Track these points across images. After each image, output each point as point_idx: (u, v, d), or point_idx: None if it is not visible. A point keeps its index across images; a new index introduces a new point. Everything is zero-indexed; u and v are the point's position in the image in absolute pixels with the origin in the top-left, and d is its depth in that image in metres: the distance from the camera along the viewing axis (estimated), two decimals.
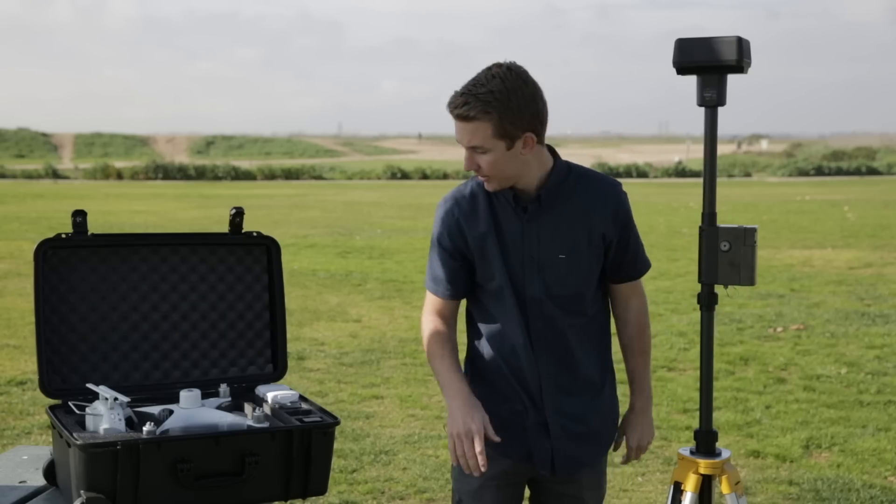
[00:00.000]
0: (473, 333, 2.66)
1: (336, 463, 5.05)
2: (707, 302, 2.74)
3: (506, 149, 2.41)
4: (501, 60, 2.42)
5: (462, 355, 2.64)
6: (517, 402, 2.58)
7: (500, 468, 2.59)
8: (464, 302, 2.67)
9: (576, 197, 2.55)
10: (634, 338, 2.75)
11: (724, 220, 2.80)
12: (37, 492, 2.67)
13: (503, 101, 2.36)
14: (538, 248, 2.52)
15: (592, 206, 2.55)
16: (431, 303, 2.63)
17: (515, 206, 2.52)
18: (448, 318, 2.62)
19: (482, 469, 2.39)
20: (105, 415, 2.44)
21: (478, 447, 2.39)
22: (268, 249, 2.92)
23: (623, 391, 2.75)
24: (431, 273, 2.62)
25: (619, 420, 2.79)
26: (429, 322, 2.63)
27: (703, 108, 2.69)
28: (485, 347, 2.61)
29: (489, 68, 2.40)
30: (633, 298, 2.71)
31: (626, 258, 2.64)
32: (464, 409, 2.45)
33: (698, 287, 2.76)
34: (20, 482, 2.74)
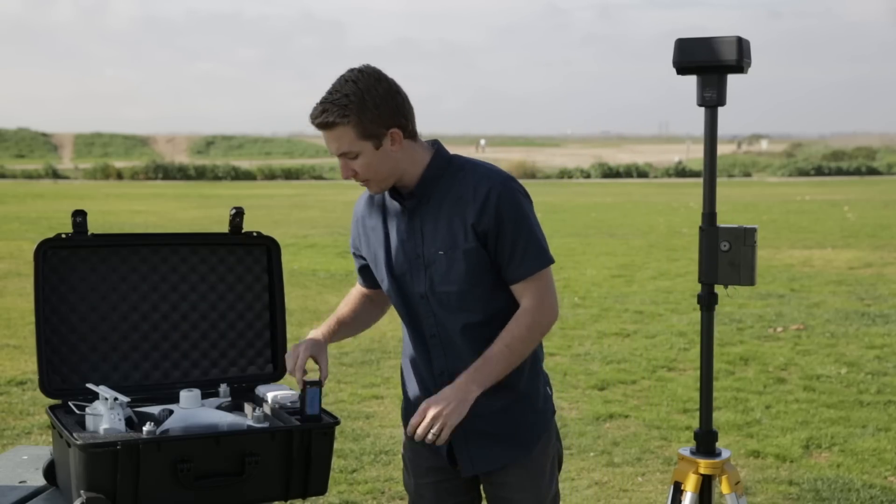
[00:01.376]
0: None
1: (336, 463, 5.05)
2: (707, 302, 2.75)
3: (374, 148, 2.42)
4: (355, 66, 2.45)
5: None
6: (418, 399, 2.61)
7: (425, 465, 2.68)
8: None
9: (454, 190, 2.48)
10: (503, 331, 2.48)
11: (724, 220, 2.80)
12: (37, 492, 2.67)
13: (359, 102, 2.37)
14: (422, 246, 2.52)
15: (465, 199, 2.46)
16: (355, 286, 2.84)
17: (400, 204, 2.55)
18: (358, 295, 2.81)
19: (296, 366, 2.56)
20: (105, 415, 2.44)
21: (290, 364, 2.57)
22: (268, 249, 2.92)
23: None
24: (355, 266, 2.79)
25: (550, 420, 2.65)
26: (346, 295, 2.83)
27: (703, 108, 2.70)
28: (404, 344, 2.72)
29: (343, 75, 2.43)
30: (523, 299, 2.50)
31: (508, 257, 2.47)
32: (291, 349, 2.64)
33: (698, 287, 2.77)
34: (20, 482, 2.74)
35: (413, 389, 2.69)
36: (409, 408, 2.66)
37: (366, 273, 2.73)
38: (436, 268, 2.50)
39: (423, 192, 2.51)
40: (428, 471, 2.68)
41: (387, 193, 2.57)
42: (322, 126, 2.42)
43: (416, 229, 2.53)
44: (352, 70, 2.43)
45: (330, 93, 2.41)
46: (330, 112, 2.39)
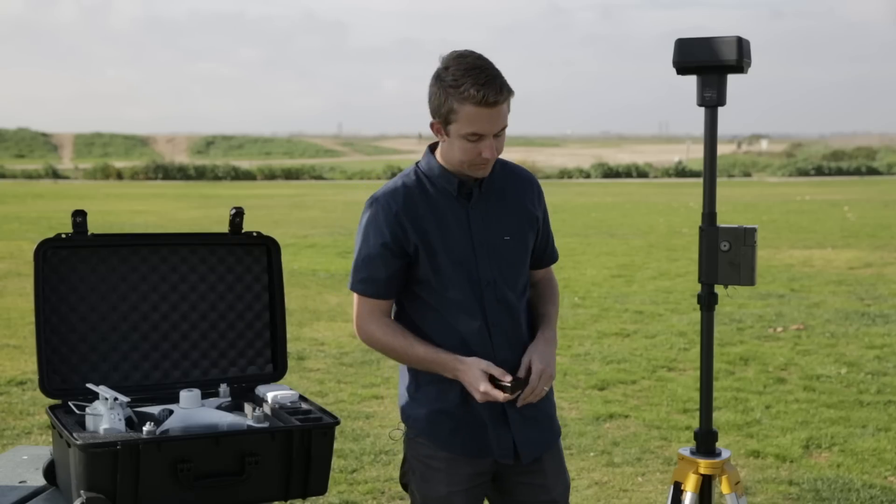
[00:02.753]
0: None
1: (336, 463, 5.05)
2: (707, 302, 2.75)
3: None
4: (460, 49, 2.46)
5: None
6: (473, 399, 2.53)
7: (466, 471, 2.59)
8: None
9: (507, 182, 2.61)
10: (548, 293, 2.74)
11: (724, 220, 2.81)
12: (37, 492, 2.68)
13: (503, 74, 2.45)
14: (485, 232, 2.55)
15: (522, 191, 2.64)
16: (370, 307, 2.57)
17: (458, 193, 2.54)
18: (390, 318, 2.62)
19: (509, 387, 2.42)
20: (105, 415, 2.44)
21: (499, 396, 2.42)
22: (268, 249, 2.92)
23: None
24: (367, 274, 2.55)
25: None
26: (376, 325, 2.57)
27: (703, 108, 2.70)
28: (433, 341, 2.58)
29: (467, 54, 2.43)
30: (547, 278, 2.77)
31: (549, 244, 2.74)
32: (459, 366, 2.47)
33: (698, 287, 2.77)
34: (20, 482, 2.74)
35: (453, 391, 2.55)
36: (455, 424, 2.56)
37: (397, 279, 2.55)
38: (502, 253, 2.55)
39: (485, 181, 2.55)
40: (467, 477, 2.60)
41: (427, 185, 2.54)
42: (499, 102, 2.40)
43: (478, 217, 2.54)
44: (470, 51, 2.44)
45: (486, 68, 2.39)
46: (503, 88, 2.40)
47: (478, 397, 2.44)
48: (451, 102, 2.41)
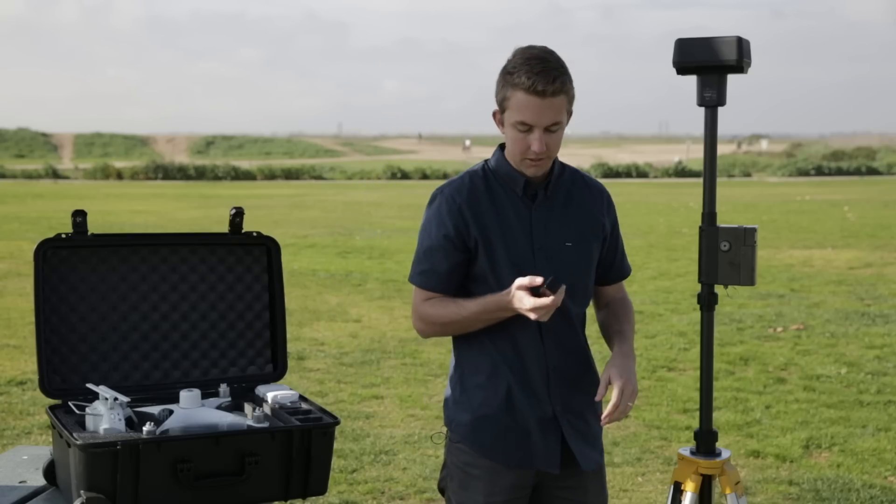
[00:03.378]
0: (461, 342, 2.59)
1: (336, 463, 5.05)
2: (707, 302, 2.75)
3: (566, 123, 2.48)
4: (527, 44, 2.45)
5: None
6: (520, 404, 2.52)
7: (507, 481, 2.54)
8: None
9: (574, 189, 2.59)
10: (622, 311, 2.70)
11: (724, 220, 2.80)
12: (37, 492, 2.68)
13: (568, 73, 2.44)
14: (546, 237, 2.53)
15: (590, 199, 2.61)
16: (428, 298, 2.54)
17: (523, 194, 2.52)
18: None
19: (547, 288, 2.33)
20: (105, 415, 2.44)
21: (540, 302, 2.32)
22: (268, 249, 2.92)
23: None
24: (428, 266, 2.52)
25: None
26: (428, 305, 2.53)
27: (703, 108, 2.69)
28: (477, 348, 2.55)
29: (534, 47, 2.43)
30: (619, 295, 2.73)
31: (617, 257, 2.68)
32: (506, 297, 2.40)
33: (698, 287, 2.76)
34: (20, 482, 2.74)
35: (502, 397, 2.52)
36: (501, 430, 2.52)
37: (457, 273, 2.52)
38: (562, 258, 2.53)
39: (553, 187, 2.55)
40: (506, 488, 2.54)
41: (494, 183, 2.53)
42: (553, 93, 2.38)
43: (540, 221, 2.53)
44: (539, 46, 2.45)
45: (546, 60, 2.39)
46: (561, 80, 2.39)
47: (532, 316, 2.35)
48: (506, 89, 2.42)
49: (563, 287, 2.34)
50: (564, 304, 2.49)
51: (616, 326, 2.65)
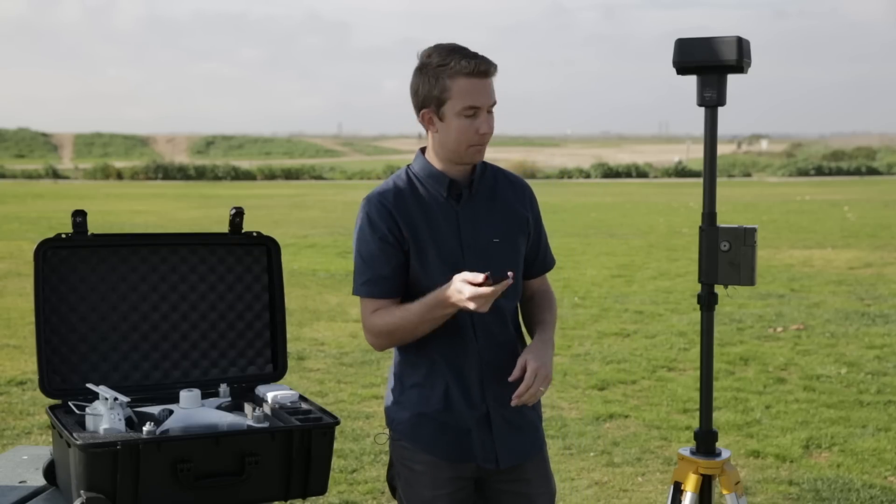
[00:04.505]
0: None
1: (336, 463, 5.05)
2: (707, 302, 2.75)
3: None
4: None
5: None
6: (457, 403, 2.55)
7: (448, 475, 2.58)
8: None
9: (497, 186, 2.62)
10: (545, 303, 2.71)
11: (724, 220, 2.80)
12: (37, 492, 2.68)
13: None
14: (474, 235, 2.55)
15: (513, 195, 2.64)
16: (377, 306, 2.52)
17: (448, 194, 2.54)
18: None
19: (490, 282, 2.33)
20: (105, 415, 2.44)
21: (479, 291, 2.31)
22: (268, 249, 2.92)
23: None
24: (372, 274, 2.51)
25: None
26: (378, 316, 2.51)
27: (703, 108, 2.69)
28: (415, 347, 2.55)
29: (444, 42, 2.50)
30: (543, 288, 2.75)
31: (541, 250, 2.71)
32: (446, 292, 2.40)
33: (698, 287, 2.77)
34: (20, 482, 2.74)
35: (439, 397, 2.55)
36: (438, 427, 2.55)
37: (401, 274, 2.52)
38: (490, 255, 2.55)
39: (477, 185, 2.57)
40: (449, 481, 2.58)
41: (417, 184, 2.55)
42: (490, 73, 2.44)
43: (466, 219, 2.55)
44: (439, 43, 2.50)
45: (465, 48, 2.45)
46: (490, 60, 2.44)
47: (471, 306, 2.34)
48: (442, 81, 2.43)
49: (509, 277, 2.33)
50: (500, 299, 2.50)
51: (538, 317, 2.69)
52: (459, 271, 2.43)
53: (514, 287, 2.58)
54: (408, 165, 2.63)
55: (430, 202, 2.54)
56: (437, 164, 2.55)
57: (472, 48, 2.47)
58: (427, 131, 2.54)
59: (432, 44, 2.51)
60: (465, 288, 2.34)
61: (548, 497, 2.68)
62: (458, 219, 2.55)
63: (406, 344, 2.57)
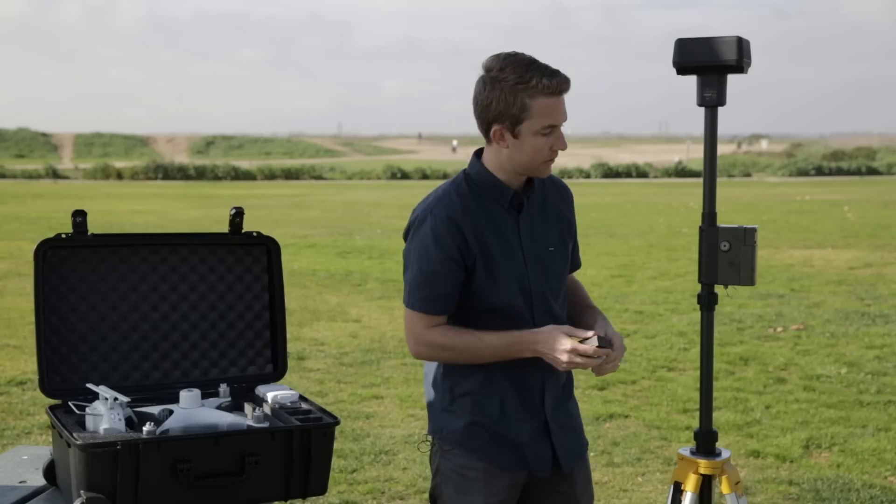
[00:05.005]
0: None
1: (336, 463, 5.05)
2: (707, 302, 2.75)
3: None
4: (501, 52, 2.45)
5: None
6: (514, 415, 2.53)
7: (503, 482, 2.55)
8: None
9: (546, 191, 2.60)
10: (582, 291, 2.77)
11: (724, 220, 2.80)
12: (37, 492, 2.67)
13: None
14: (532, 244, 2.53)
15: (560, 199, 2.63)
16: (430, 322, 2.48)
17: (510, 204, 2.51)
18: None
19: (596, 342, 2.35)
20: (105, 415, 2.44)
21: (589, 349, 2.34)
22: (268, 249, 2.92)
23: None
24: (430, 292, 2.46)
25: None
26: (438, 332, 2.47)
27: (703, 108, 2.69)
28: (474, 367, 2.51)
29: (516, 53, 2.42)
30: (575, 280, 2.79)
31: (576, 250, 2.73)
32: (535, 337, 2.41)
33: (698, 287, 2.77)
34: (20, 482, 2.74)
35: (496, 409, 2.52)
36: (490, 437, 2.52)
37: (457, 293, 2.47)
38: (548, 264, 2.54)
39: (532, 190, 2.55)
40: (504, 488, 2.55)
41: (480, 192, 2.48)
42: (567, 89, 2.41)
43: (526, 228, 2.52)
44: (513, 51, 2.43)
45: (540, 62, 2.39)
46: (566, 76, 2.40)
47: (562, 362, 2.35)
48: (521, 99, 2.35)
49: (608, 350, 2.36)
50: (554, 308, 2.54)
51: (584, 301, 2.71)
52: (525, 285, 2.46)
53: (563, 292, 2.62)
54: (464, 173, 2.54)
55: (493, 211, 2.49)
56: (498, 175, 2.48)
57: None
58: (492, 143, 2.46)
59: (498, 53, 2.42)
60: (565, 342, 2.35)
61: (589, 497, 2.69)
62: (520, 230, 2.51)
63: (454, 368, 2.54)
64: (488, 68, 2.40)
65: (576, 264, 2.74)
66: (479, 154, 2.54)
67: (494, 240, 2.47)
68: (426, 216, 2.46)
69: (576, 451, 2.62)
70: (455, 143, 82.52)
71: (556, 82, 2.36)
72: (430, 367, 2.62)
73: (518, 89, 2.35)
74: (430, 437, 2.64)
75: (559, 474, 2.59)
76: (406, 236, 2.54)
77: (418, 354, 2.54)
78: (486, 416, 2.52)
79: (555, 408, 2.58)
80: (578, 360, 2.34)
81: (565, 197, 2.65)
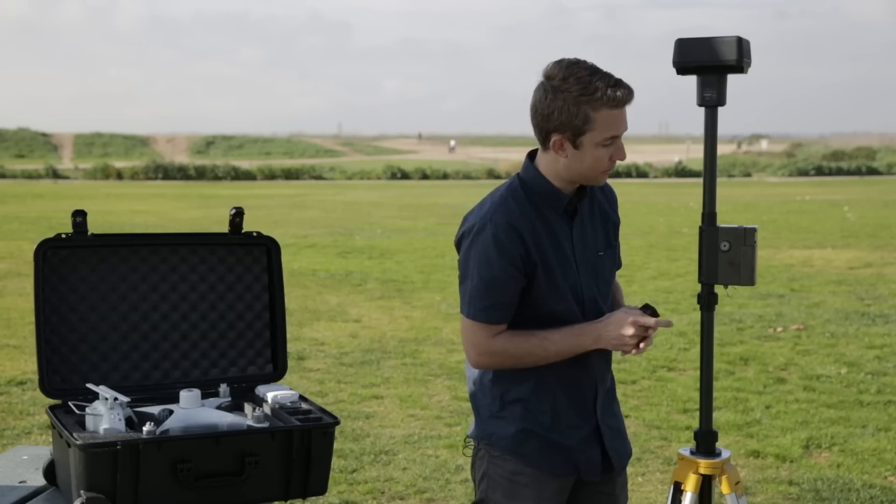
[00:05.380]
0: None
1: (336, 463, 5.05)
2: (707, 302, 2.75)
3: None
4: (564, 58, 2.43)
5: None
6: (566, 421, 2.52)
7: (553, 488, 2.54)
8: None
9: (593, 195, 2.59)
10: (620, 290, 2.83)
11: (724, 220, 2.80)
12: (37, 492, 2.67)
13: None
14: (584, 250, 2.52)
15: (606, 202, 2.63)
16: (492, 332, 2.43)
17: (565, 209, 2.48)
18: None
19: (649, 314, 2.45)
20: (105, 415, 2.44)
21: (650, 321, 2.45)
22: (268, 249, 2.92)
23: None
24: (492, 301, 2.42)
25: None
26: (502, 340, 2.44)
27: (703, 108, 2.69)
28: (525, 372, 2.49)
29: (577, 61, 2.37)
30: (616, 281, 2.81)
31: (618, 249, 2.73)
32: (608, 326, 2.46)
33: (698, 287, 2.76)
34: (20, 482, 2.74)
35: (548, 415, 2.51)
36: (543, 444, 2.51)
37: (515, 301, 2.44)
38: (598, 269, 2.55)
39: (584, 197, 2.53)
40: (554, 494, 2.54)
41: (535, 197, 2.45)
42: (629, 101, 2.37)
43: (577, 234, 2.51)
44: (574, 58, 2.39)
45: (604, 72, 2.35)
46: (629, 86, 2.37)
47: (627, 338, 2.43)
48: (584, 111, 2.32)
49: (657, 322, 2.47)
50: (603, 313, 2.55)
51: (620, 299, 2.77)
52: (578, 292, 2.46)
53: (610, 294, 2.64)
54: (519, 178, 2.50)
55: (550, 221, 2.46)
56: (554, 182, 2.46)
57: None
58: (550, 151, 2.43)
59: (560, 60, 2.38)
60: (627, 317, 2.42)
61: (625, 499, 2.71)
62: (573, 237, 2.50)
63: (506, 375, 2.51)
64: (550, 76, 2.36)
65: (618, 264, 2.74)
66: (531, 157, 2.52)
67: (551, 246, 2.45)
68: (485, 223, 2.41)
69: (624, 452, 2.65)
70: (453, 143, 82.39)
71: (620, 94, 2.32)
72: (476, 371, 2.57)
73: (582, 101, 2.32)
74: (470, 441, 2.62)
75: (605, 475, 2.61)
76: (459, 245, 2.49)
77: (479, 365, 2.50)
78: (537, 423, 2.51)
79: (604, 411, 2.60)
80: (642, 332, 2.43)
81: (610, 198, 2.65)
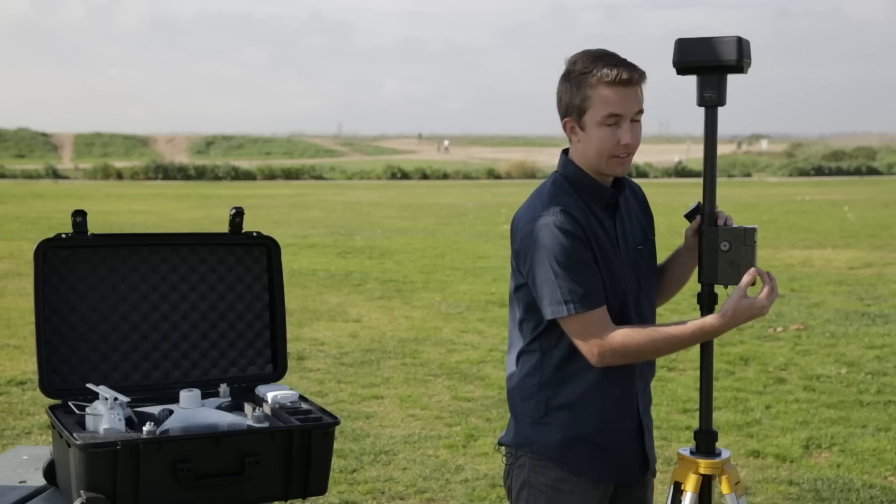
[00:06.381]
0: (549, 361, 2.47)
1: (336, 463, 5.05)
2: (707, 302, 2.74)
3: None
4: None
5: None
6: (615, 423, 2.51)
7: (598, 493, 2.53)
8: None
9: (627, 187, 2.58)
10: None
11: None
12: (37, 492, 2.67)
13: None
14: (625, 244, 2.51)
15: (638, 197, 2.65)
16: (601, 318, 2.37)
17: (607, 203, 2.47)
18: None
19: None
20: (105, 415, 2.44)
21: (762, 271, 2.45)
22: (268, 249, 2.92)
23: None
24: (588, 286, 2.35)
25: None
26: (622, 333, 2.40)
27: (703, 108, 2.69)
28: (571, 371, 2.46)
29: (594, 48, 2.40)
30: None
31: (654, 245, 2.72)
32: (734, 309, 2.44)
33: (698, 287, 2.76)
34: (20, 482, 2.74)
35: (593, 406, 2.47)
36: (589, 448, 2.49)
37: (600, 282, 2.41)
38: (638, 264, 2.54)
39: (622, 190, 2.53)
40: (599, 498, 2.53)
41: (581, 191, 2.44)
42: (633, 81, 2.35)
43: (620, 229, 2.50)
44: (589, 49, 2.41)
45: (612, 54, 2.36)
46: (636, 67, 2.36)
47: (767, 297, 2.43)
48: (584, 90, 2.35)
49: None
50: (647, 309, 2.58)
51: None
52: (619, 286, 2.44)
53: (654, 290, 2.66)
54: (560, 175, 2.49)
55: (597, 214, 2.45)
56: (589, 173, 2.46)
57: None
58: (570, 140, 2.46)
59: (580, 50, 2.41)
60: (746, 279, 2.41)
61: (652, 498, 2.73)
62: (616, 231, 2.49)
63: (554, 358, 2.46)
64: (566, 63, 2.41)
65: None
66: (566, 151, 2.52)
67: (600, 237, 2.44)
68: (540, 215, 2.38)
69: (654, 452, 2.66)
70: (446, 143, 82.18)
71: (617, 71, 2.32)
72: (517, 374, 2.53)
73: (581, 79, 2.36)
74: (502, 448, 2.60)
75: (642, 475, 2.63)
76: (517, 247, 2.44)
77: (603, 362, 2.41)
78: (583, 428, 2.47)
79: (644, 408, 2.61)
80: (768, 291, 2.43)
81: (640, 195, 2.67)
